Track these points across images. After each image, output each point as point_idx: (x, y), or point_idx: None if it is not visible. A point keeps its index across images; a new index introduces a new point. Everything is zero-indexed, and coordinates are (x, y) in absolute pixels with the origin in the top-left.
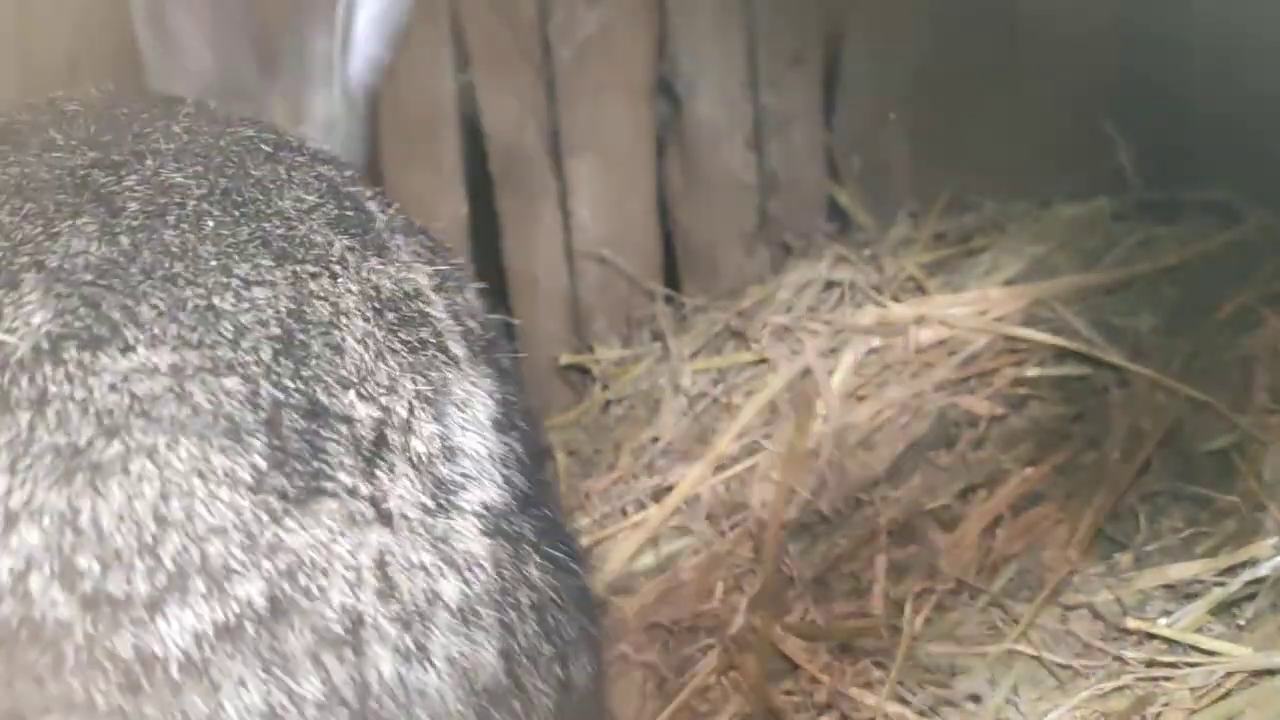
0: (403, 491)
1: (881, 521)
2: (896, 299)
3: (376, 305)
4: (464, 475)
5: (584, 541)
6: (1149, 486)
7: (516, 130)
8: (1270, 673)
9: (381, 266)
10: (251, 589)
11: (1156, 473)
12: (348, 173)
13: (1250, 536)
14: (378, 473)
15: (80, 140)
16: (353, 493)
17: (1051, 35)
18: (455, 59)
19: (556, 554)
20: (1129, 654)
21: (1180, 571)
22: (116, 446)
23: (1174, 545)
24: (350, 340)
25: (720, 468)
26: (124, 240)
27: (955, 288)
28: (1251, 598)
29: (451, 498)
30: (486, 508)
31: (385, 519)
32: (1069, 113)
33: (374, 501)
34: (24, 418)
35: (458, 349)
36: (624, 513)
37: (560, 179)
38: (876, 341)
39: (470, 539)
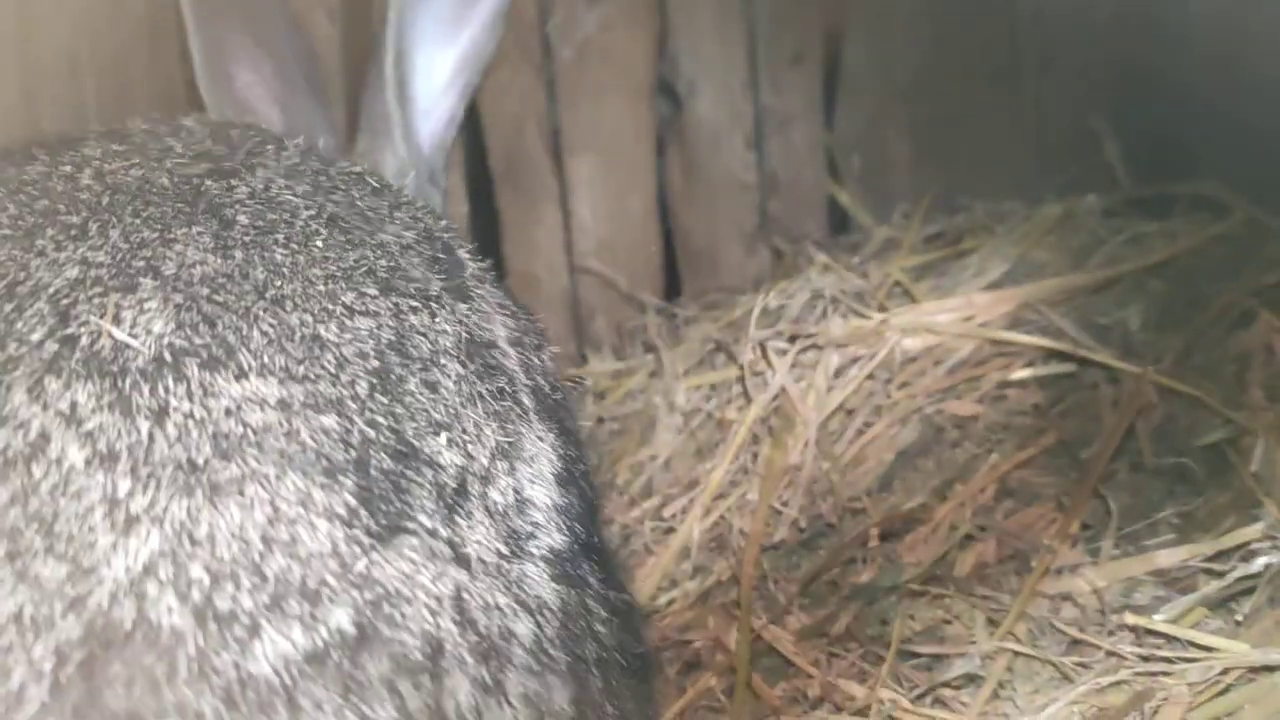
0: (480, 538)
1: (869, 527)
2: (884, 307)
3: (469, 349)
4: (534, 524)
5: None
6: (1140, 481)
7: (516, 130)
8: (1268, 669)
9: (469, 313)
10: (341, 615)
11: (1148, 467)
12: (442, 222)
13: (1242, 528)
14: (457, 518)
15: (196, 152)
16: (433, 534)
17: (1051, 35)
18: None
19: (619, 605)
20: (1125, 649)
21: (1168, 558)
22: (233, 469)
23: (1166, 538)
24: (446, 381)
25: (718, 497)
26: (237, 254)
27: (943, 292)
28: (1249, 593)
29: (523, 544)
30: (555, 553)
31: (463, 561)
32: (1068, 111)
33: (452, 544)
34: (144, 426)
35: (527, 401)
36: (635, 553)
37: (560, 179)
38: (863, 352)
39: (540, 584)
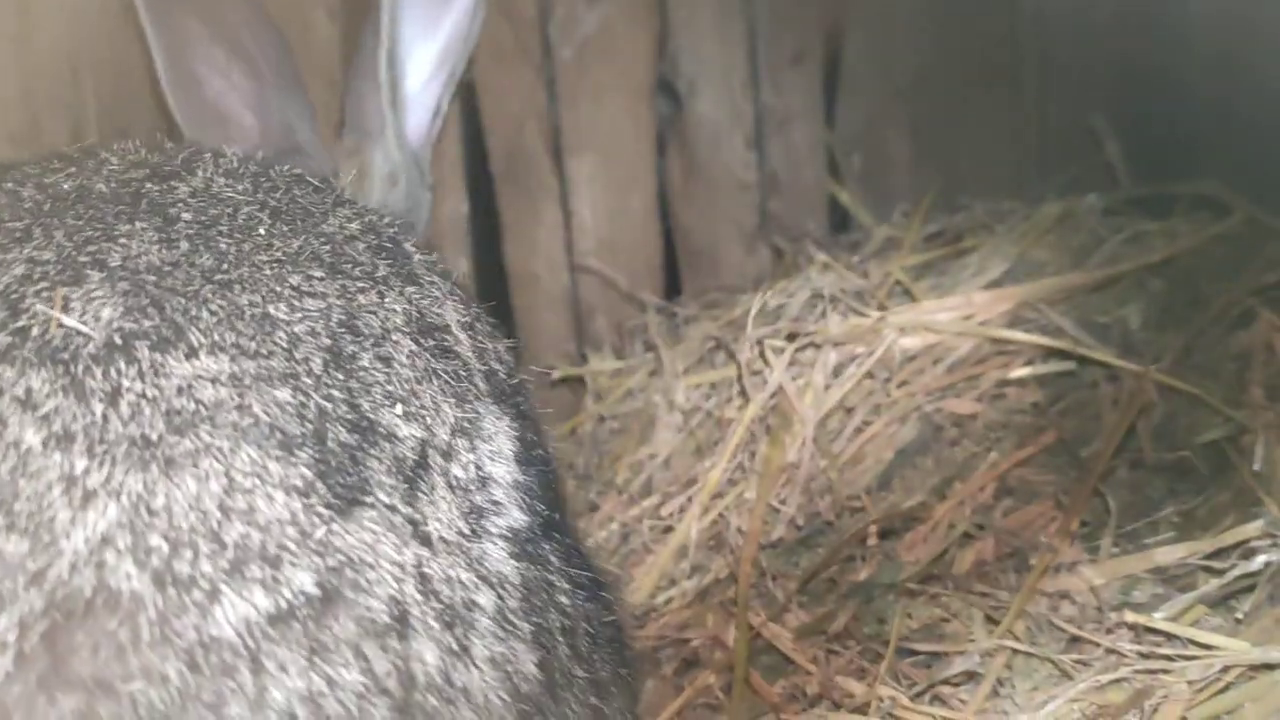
0: (441, 515)
1: (868, 525)
2: (884, 305)
3: (420, 328)
4: (494, 502)
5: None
6: (1140, 479)
7: (517, 130)
8: (1268, 667)
9: (418, 295)
10: (304, 577)
11: (1148, 465)
12: (386, 218)
13: (1242, 526)
14: (419, 493)
15: (132, 160)
16: (391, 509)
17: (1051, 34)
18: None
19: (584, 580)
20: (1124, 646)
21: (1167, 556)
22: (187, 444)
23: (1166, 536)
24: (399, 357)
25: (716, 495)
26: (182, 245)
27: (943, 291)
28: (1248, 591)
29: (483, 523)
30: (515, 531)
31: (423, 539)
32: (1068, 111)
33: (412, 521)
34: (98, 408)
35: (483, 385)
36: (634, 551)
37: (561, 178)
38: (862, 350)
39: (500, 561)
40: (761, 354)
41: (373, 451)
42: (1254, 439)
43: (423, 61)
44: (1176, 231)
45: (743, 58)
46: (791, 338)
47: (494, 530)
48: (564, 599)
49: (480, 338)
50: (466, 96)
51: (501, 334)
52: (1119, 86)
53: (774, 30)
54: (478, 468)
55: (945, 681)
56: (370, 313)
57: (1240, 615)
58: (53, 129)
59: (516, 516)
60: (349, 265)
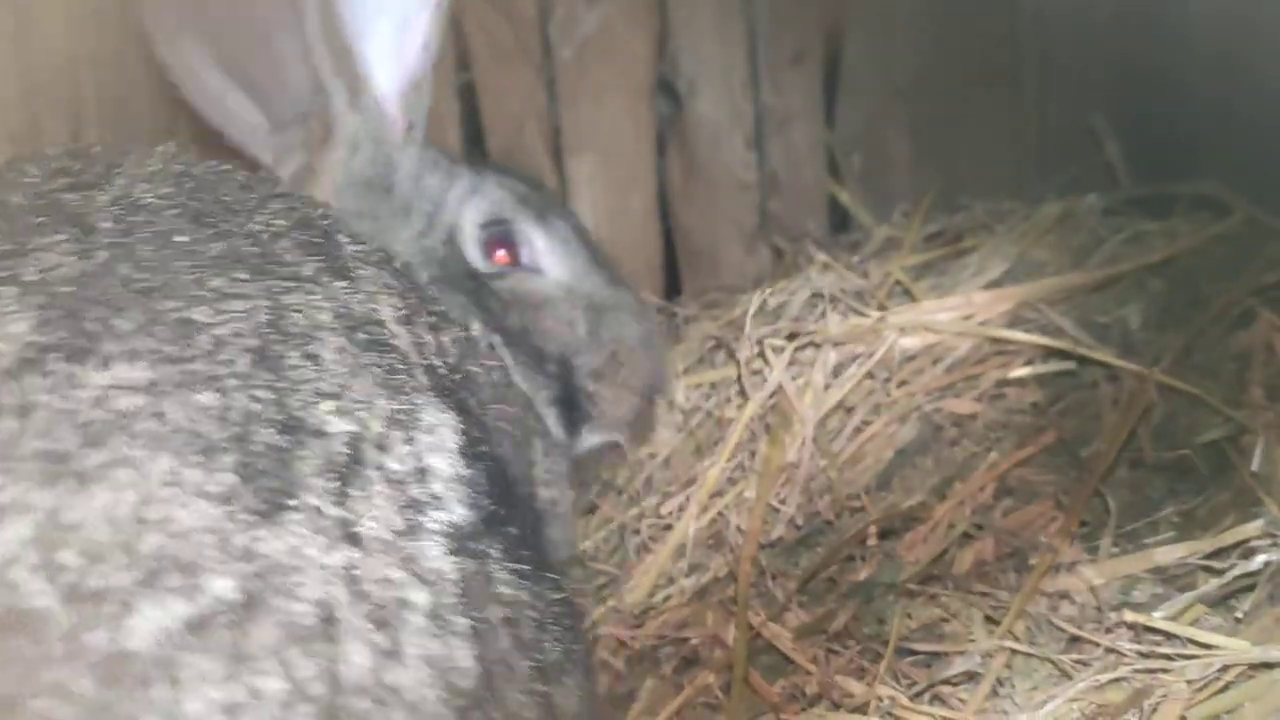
0: (375, 512)
1: (868, 525)
2: (883, 305)
3: (350, 323)
4: (433, 496)
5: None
6: (1140, 478)
7: (517, 129)
8: (1268, 666)
9: (348, 291)
10: (224, 584)
11: (1148, 465)
12: (320, 210)
13: (1242, 526)
14: (351, 491)
15: (53, 169)
16: (319, 512)
17: (1051, 34)
18: (455, 58)
19: (527, 569)
20: (1124, 646)
21: (1167, 555)
22: (100, 456)
23: (1166, 536)
24: (327, 353)
25: (715, 494)
26: (100, 255)
27: (943, 291)
28: (1248, 590)
29: (420, 518)
30: (454, 527)
31: (354, 540)
32: (1068, 111)
33: (343, 523)
34: (10, 424)
35: (424, 379)
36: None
37: (561, 178)
38: (862, 350)
39: (437, 558)
40: (761, 354)
41: (301, 452)
42: (1254, 439)
43: (377, 15)
44: (1176, 231)
45: (743, 57)
46: (791, 337)
47: (432, 527)
48: (506, 589)
49: (420, 330)
50: (466, 96)
51: (450, 325)
52: (1119, 86)
53: (774, 30)
54: (416, 460)
55: (945, 681)
56: (297, 311)
57: (1240, 615)
58: (52, 129)
59: (458, 512)
60: (274, 265)
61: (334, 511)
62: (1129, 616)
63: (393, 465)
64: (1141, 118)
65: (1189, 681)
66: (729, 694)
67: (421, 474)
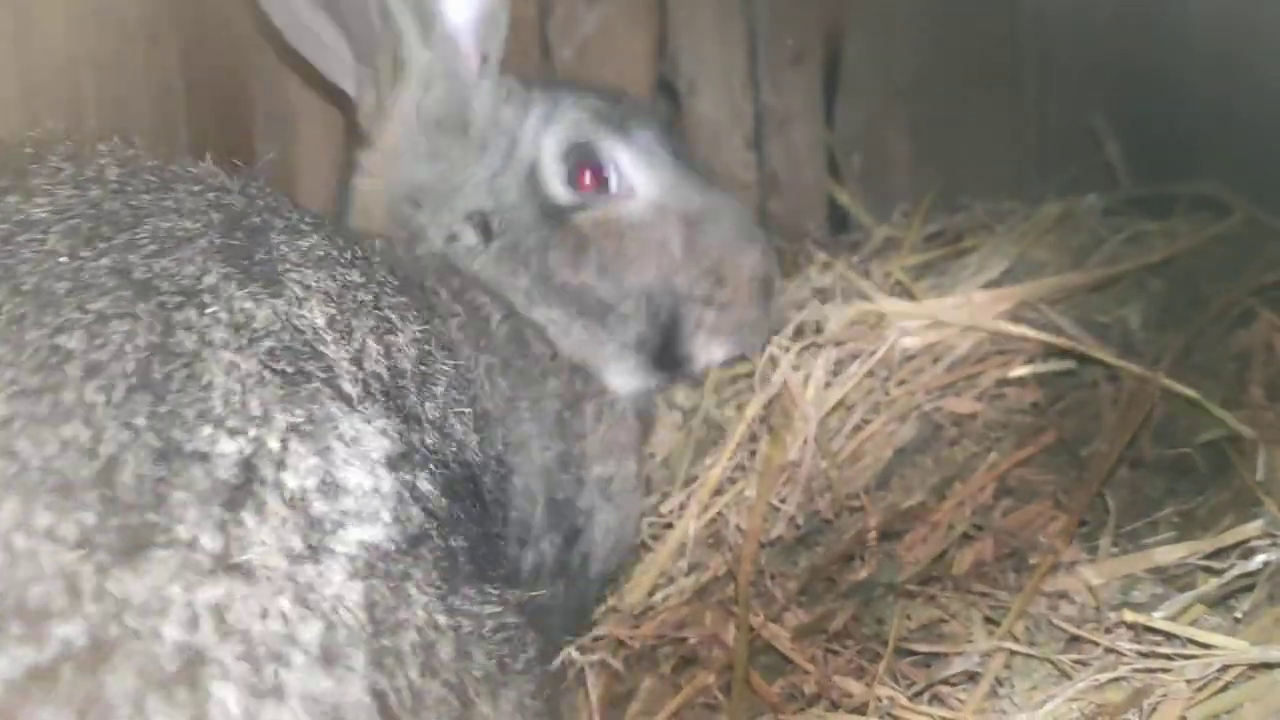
0: (267, 536)
1: (869, 524)
2: (884, 306)
3: (251, 334)
4: (343, 512)
5: None
6: (1140, 478)
7: None
8: (1267, 666)
9: (265, 295)
10: (71, 629)
11: (1148, 465)
12: (260, 201)
13: (1241, 526)
14: (242, 514)
15: None
16: (191, 545)
17: (1051, 34)
18: None
19: (462, 589)
20: (1124, 646)
21: (1167, 555)
22: None
23: (1165, 536)
24: (216, 372)
25: (715, 493)
26: None
27: (943, 290)
28: (1248, 591)
29: (325, 538)
30: (365, 547)
31: (233, 570)
32: (1068, 111)
33: (219, 556)
34: None
35: (350, 388)
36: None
37: None
38: (863, 349)
39: (340, 583)
40: (764, 353)
41: (179, 480)
42: (1253, 441)
43: None
44: (1176, 231)
45: (742, 57)
46: (793, 336)
47: (339, 548)
48: (422, 612)
49: (360, 335)
50: None
51: (409, 322)
52: (1119, 87)
53: (774, 30)
54: (324, 475)
55: (944, 681)
56: (186, 329)
57: (1239, 615)
58: (53, 128)
59: (372, 530)
60: (166, 279)
61: (211, 543)
62: (1128, 616)
63: (292, 483)
64: (1141, 118)
65: (1188, 681)
66: (728, 694)
67: (331, 490)
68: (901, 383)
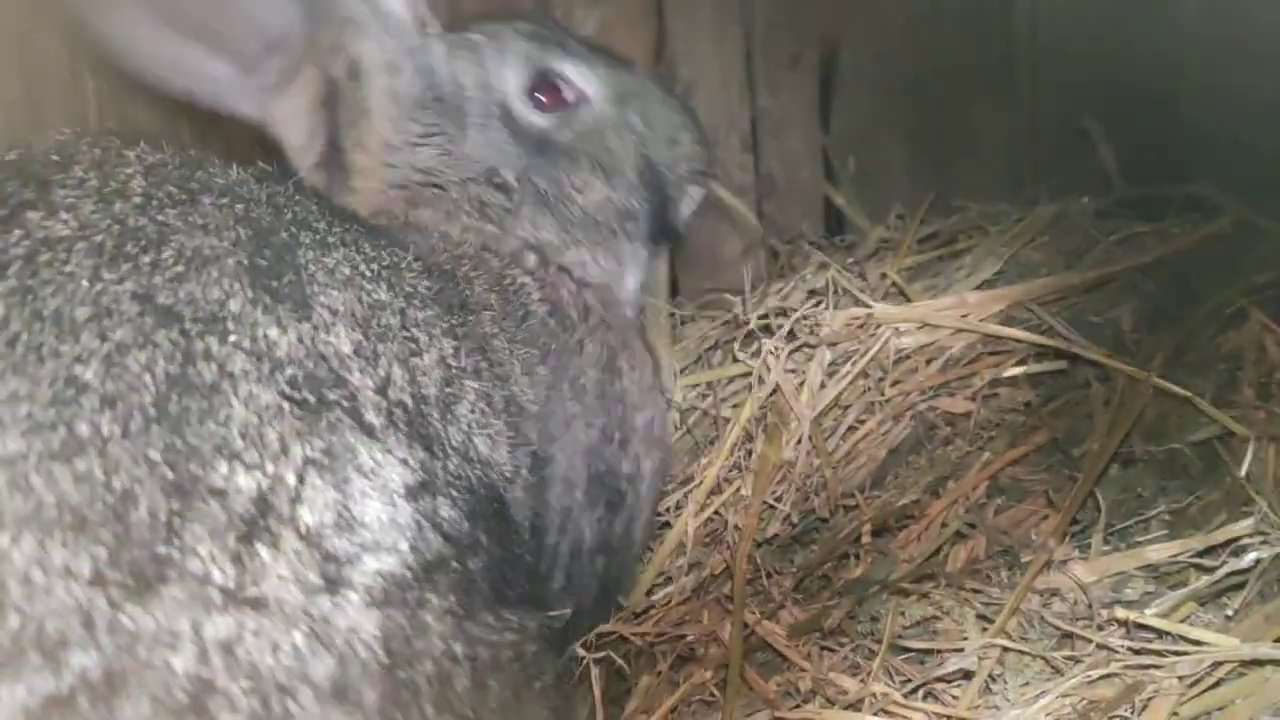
0: (282, 570)
1: (862, 523)
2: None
3: (272, 363)
4: (360, 545)
5: None
6: (1131, 477)
7: None
8: (1258, 663)
9: (291, 320)
10: (87, 660)
11: (1139, 464)
12: (288, 214)
13: (1233, 524)
14: (254, 550)
15: None
16: (203, 579)
17: (1045, 38)
18: None
19: (480, 615)
20: (1115, 642)
21: (1158, 553)
22: None
23: (1157, 534)
24: (235, 404)
25: (712, 492)
26: None
27: (937, 292)
28: (1239, 588)
29: (341, 570)
30: (382, 576)
31: (244, 604)
32: (1062, 114)
33: (230, 591)
34: None
35: (373, 417)
36: None
37: None
38: (857, 350)
39: (355, 615)
40: (757, 354)
41: (193, 515)
42: (1244, 441)
43: None
44: (1169, 233)
45: (739, 61)
46: (788, 337)
47: (357, 579)
48: (439, 642)
49: (388, 362)
50: None
51: (435, 343)
52: (1111, 90)
53: (771, 34)
54: (342, 509)
55: (938, 678)
56: (206, 359)
57: (1231, 612)
58: (56, 129)
59: (390, 560)
60: (189, 305)
61: (224, 577)
62: (1120, 614)
63: (308, 519)
64: (1134, 121)
65: (1180, 678)
66: (724, 691)
67: (348, 524)
68: (895, 383)
